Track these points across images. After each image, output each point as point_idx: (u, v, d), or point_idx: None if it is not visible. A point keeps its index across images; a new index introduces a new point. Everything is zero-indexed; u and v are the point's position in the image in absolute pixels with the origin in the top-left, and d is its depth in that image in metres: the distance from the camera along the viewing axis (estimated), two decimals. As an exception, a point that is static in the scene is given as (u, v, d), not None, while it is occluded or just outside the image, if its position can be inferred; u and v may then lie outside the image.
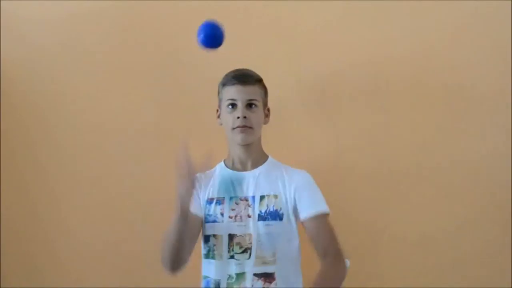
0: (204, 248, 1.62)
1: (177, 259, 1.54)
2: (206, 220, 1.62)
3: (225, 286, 1.56)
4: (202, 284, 1.62)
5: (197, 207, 1.62)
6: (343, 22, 1.89)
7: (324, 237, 1.57)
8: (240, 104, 1.62)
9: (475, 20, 1.88)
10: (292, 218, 1.61)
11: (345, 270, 1.55)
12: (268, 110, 1.71)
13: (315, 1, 1.88)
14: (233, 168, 1.68)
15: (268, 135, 1.76)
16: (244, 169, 1.67)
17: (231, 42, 1.88)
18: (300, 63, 1.88)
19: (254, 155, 1.67)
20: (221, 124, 1.69)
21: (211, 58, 1.88)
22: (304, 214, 1.59)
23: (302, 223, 1.61)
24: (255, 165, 1.67)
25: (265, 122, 1.70)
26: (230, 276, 1.57)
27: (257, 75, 1.68)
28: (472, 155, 1.88)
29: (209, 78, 1.83)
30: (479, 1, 1.87)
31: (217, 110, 1.71)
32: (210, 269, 1.60)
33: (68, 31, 1.89)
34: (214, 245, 1.60)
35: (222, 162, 1.72)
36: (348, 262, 1.84)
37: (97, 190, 1.88)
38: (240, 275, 1.56)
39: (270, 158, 1.70)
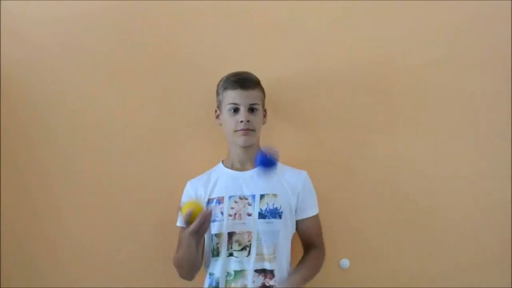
0: (210, 246, 1.65)
1: (196, 271, 1.66)
2: None
3: (223, 283, 1.60)
4: (206, 280, 1.66)
5: None
6: (343, 22, 1.89)
7: (316, 232, 1.71)
8: (242, 109, 1.64)
9: (475, 20, 1.88)
10: (291, 216, 1.65)
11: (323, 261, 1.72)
12: (265, 110, 1.74)
13: (315, 1, 1.88)
14: (232, 168, 1.70)
15: (267, 135, 1.76)
16: (243, 168, 1.70)
17: (231, 42, 1.89)
18: (299, 63, 1.88)
19: (254, 156, 1.68)
20: (220, 125, 1.70)
21: (211, 58, 1.89)
22: (304, 214, 1.68)
23: (296, 219, 1.68)
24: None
25: (264, 123, 1.73)
26: (228, 274, 1.61)
27: (256, 78, 1.70)
28: (472, 154, 1.88)
29: (209, 78, 1.83)
30: (479, 1, 1.87)
31: (216, 111, 1.72)
32: (215, 266, 1.64)
33: (68, 31, 1.89)
34: (218, 243, 1.63)
35: (221, 163, 1.74)
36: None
37: (97, 190, 1.88)
38: (239, 272, 1.60)
39: None
